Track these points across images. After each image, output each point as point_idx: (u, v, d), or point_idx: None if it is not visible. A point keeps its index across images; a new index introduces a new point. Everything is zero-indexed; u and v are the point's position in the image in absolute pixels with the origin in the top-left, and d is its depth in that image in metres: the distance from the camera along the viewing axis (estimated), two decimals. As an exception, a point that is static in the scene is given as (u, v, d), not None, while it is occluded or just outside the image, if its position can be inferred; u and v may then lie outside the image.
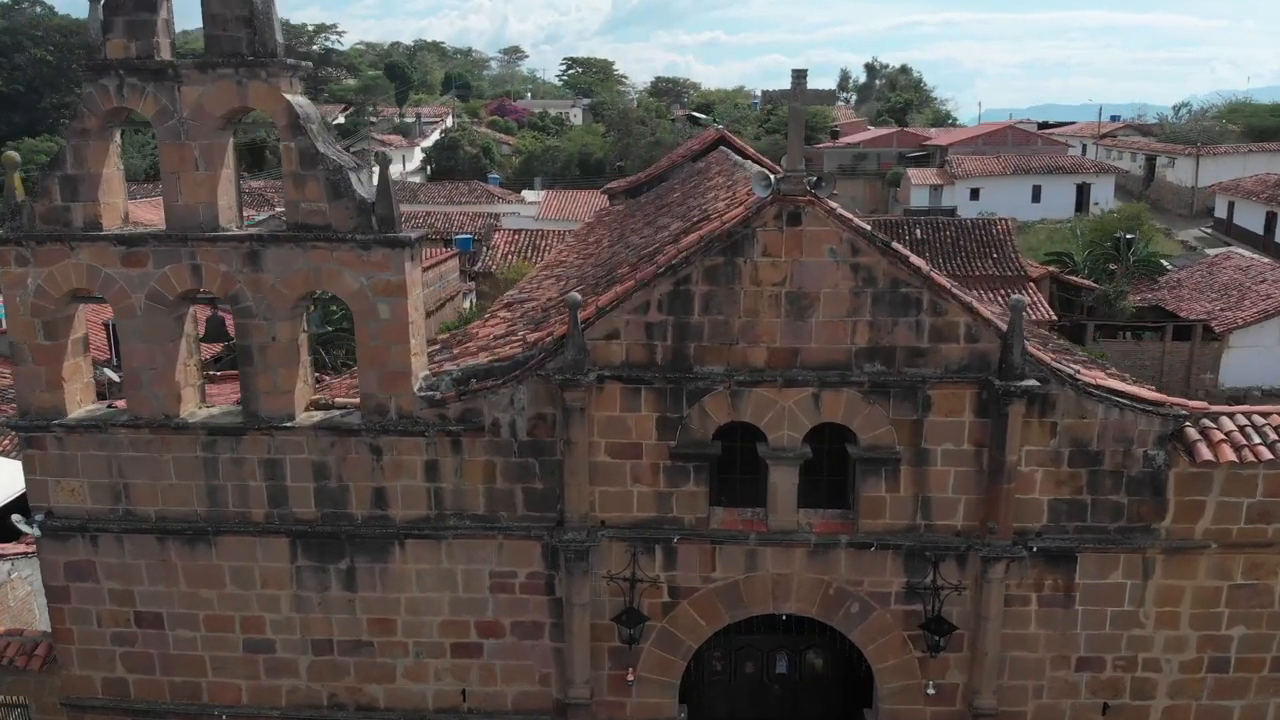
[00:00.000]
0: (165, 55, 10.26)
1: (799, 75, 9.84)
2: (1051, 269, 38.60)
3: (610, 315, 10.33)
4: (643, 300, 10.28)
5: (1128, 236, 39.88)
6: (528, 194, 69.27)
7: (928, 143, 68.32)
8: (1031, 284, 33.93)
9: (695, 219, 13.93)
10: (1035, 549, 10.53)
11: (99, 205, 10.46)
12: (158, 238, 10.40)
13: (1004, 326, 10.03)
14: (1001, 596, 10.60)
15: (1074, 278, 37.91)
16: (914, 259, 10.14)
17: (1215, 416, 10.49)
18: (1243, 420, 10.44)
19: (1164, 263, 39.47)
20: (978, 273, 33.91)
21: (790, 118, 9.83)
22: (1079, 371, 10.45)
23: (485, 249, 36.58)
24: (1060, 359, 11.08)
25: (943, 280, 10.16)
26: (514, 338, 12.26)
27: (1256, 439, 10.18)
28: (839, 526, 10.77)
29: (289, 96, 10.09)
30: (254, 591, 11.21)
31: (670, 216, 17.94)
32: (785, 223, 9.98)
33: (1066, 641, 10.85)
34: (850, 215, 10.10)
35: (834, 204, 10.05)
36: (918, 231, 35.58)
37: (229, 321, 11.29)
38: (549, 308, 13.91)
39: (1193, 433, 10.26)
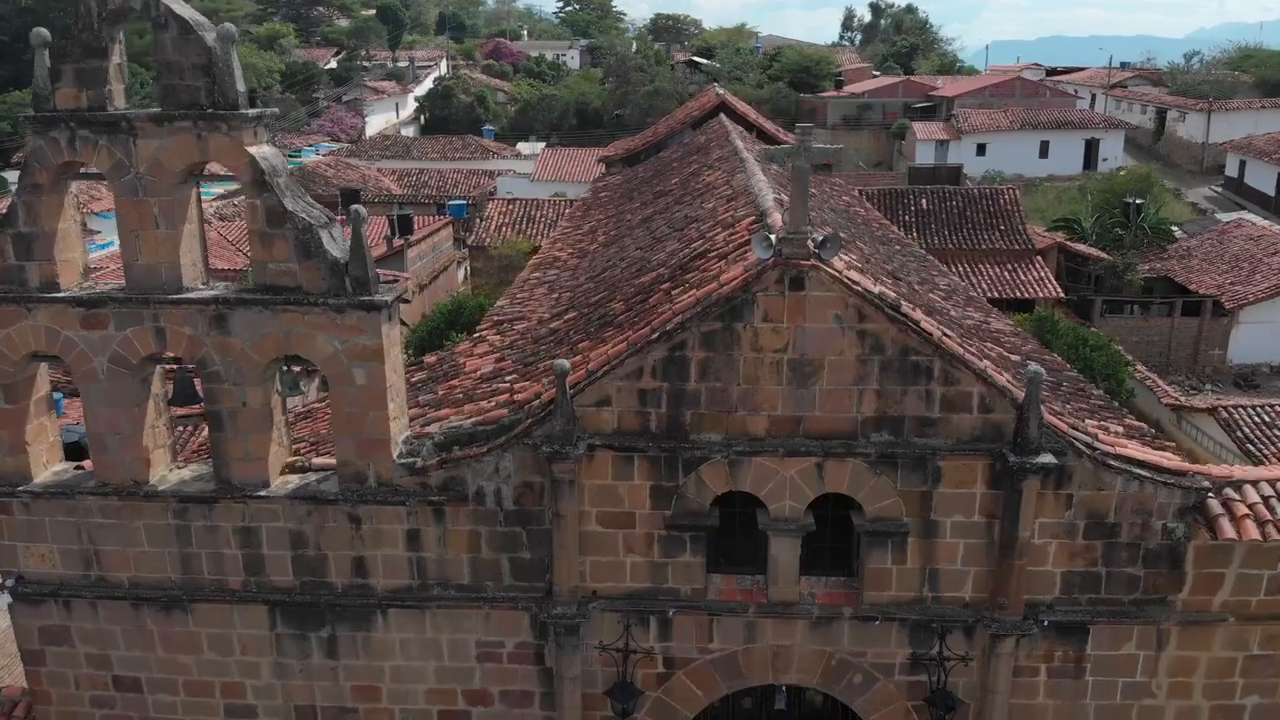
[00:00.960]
0: (119, 103, 9.51)
1: (804, 132, 9.09)
2: (1059, 238, 37.82)
3: (601, 382, 9.73)
4: (635, 366, 9.67)
5: (1137, 202, 39.00)
6: (523, 146, 68.08)
7: (934, 93, 66.78)
8: (1039, 257, 33.19)
9: (694, 242, 13.24)
10: (1046, 622, 10.09)
11: (55, 264, 9.79)
12: (118, 299, 9.76)
13: (1020, 396, 9.43)
14: (1010, 670, 10.18)
15: (1082, 246, 37.15)
16: (925, 323, 9.49)
17: (1239, 485, 9.94)
18: (1268, 490, 9.89)
19: (1174, 230, 38.66)
20: (984, 245, 33.17)
21: (793, 178, 9.10)
22: (1098, 438, 9.90)
23: (480, 220, 35.74)
24: (1077, 418, 10.53)
25: (955, 346, 9.53)
26: (501, 383, 11.66)
27: (1282, 513, 9.65)
28: (842, 598, 10.32)
29: (253, 150, 9.35)
30: (233, 658, 10.80)
31: (667, 222, 17.19)
32: (787, 288, 9.32)
33: (1075, 712, 10.47)
34: (858, 277, 9.43)
35: (840, 265, 9.38)
36: (923, 202, 34.67)
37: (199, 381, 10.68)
38: (540, 340, 13.29)
39: (1215, 505, 9.72)
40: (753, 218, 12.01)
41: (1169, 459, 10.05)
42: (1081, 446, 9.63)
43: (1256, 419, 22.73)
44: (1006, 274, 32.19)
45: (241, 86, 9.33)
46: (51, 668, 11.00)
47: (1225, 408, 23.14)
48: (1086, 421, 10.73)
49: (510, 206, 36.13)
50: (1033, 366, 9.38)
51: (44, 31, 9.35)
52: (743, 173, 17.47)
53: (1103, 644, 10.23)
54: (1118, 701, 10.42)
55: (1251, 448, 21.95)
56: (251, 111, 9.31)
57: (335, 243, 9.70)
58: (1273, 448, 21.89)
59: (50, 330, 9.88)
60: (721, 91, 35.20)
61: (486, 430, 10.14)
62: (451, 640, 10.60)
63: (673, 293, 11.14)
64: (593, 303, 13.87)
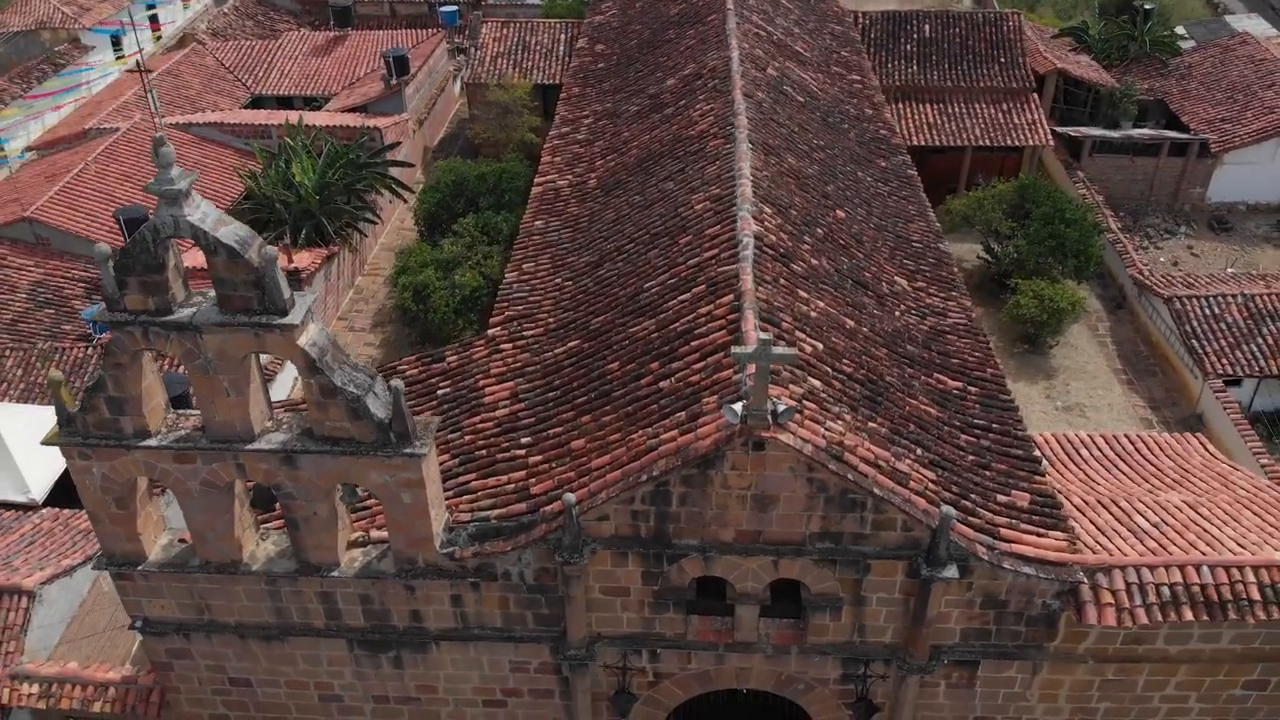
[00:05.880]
0: (180, 298, 11.08)
1: (765, 343, 10.75)
2: (1062, 53, 37.29)
3: (601, 506, 12.07)
4: (629, 495, 11.97)
5: (1146, 7, 38.07)
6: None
7: None
8: (1035, 95, 33.27)
9: (682, 293, 14.90)
10: (946, 661, 13.10)
11: (145, 417, 11.79)
12: (202, 448, 11.86)
13: (934, 525, 11.79)
14: (917, 689, 13.36)
15: (1083, 63, 36.76)
16: (863, 466, 11.66)
17: (1110, 571, 12.50)
18: (1133, 577, 12.44)
19: (1179, 42, 37.96)
20: (983, 83, 33.19)
21: (756, 374, 10.90)
22: (999, 533, 12.37)
23: (474, 50, 35.29)
24: (989, 496, 12.89)
25: (887, 483, 11.75)
26: (517, 448, 13.88)
27: (1138, 600, 12.26)
28: (791, 638, 13.26)
29: (303, 343, 11.05)
30: (322, 667, 14.02)
31: (661, 200, 18.35)
32: (750, 449, 11.41)
33: (967, 709, 13.79)
34: (809, 436, 11.46)
35: (794, 430, 11.40)
36: (926, 28, 34.12)
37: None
38: (548, 373, 15.26)
39: (1085, 592, 12.34)
40: (732, 296, 13.70)
41: (1055, 547, 12.55)
42: (982, 553, 12.12)
43: (1206, 311, 24.72)
44: (1000, 116, 32.52)
45: (287, 293, 10.87)
46: (178, 672, 14.25)
47: (1179, 299, 24.99)
48: (997, 498, 13.11)
49: (505, 32, 35.56)
50: (946, 509, 11.64)
51: (105, 247, 10.74)
52: (732, 140, 18.48)
53: (989, 670, 13.32)
54: (999, 703, 13.70)
55: (1195, 344, 24.18)
56: (300, 318, 10.90)
57: (378, 400, 11.63)
58: (1215, 344, 24.13)
59: (148, 463, 12.07)
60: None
61: (510, 526, 12.64)
62: (490, 659, 13.75)
63: (660, 385, 13.20)
64: (593, 329, 15.71)
